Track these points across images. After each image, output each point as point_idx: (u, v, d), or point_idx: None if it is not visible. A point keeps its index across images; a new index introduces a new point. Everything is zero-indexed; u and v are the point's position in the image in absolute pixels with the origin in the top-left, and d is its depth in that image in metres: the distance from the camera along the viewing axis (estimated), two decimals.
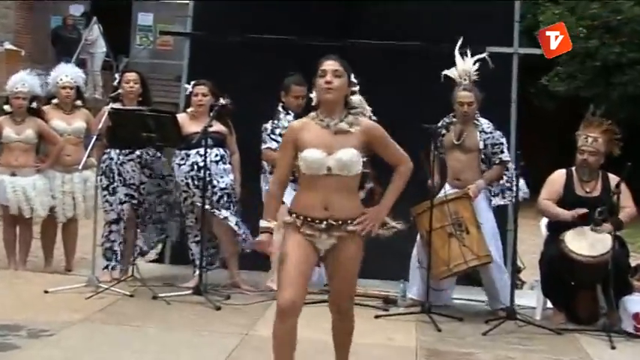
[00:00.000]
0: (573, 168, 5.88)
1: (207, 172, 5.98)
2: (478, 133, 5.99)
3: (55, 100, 6.87)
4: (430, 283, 5.77)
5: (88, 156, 6.25)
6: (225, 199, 6.15)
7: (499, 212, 6.20)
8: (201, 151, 5.93)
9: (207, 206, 6.00)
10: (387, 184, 4.01)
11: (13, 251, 6.86)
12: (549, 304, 5.95)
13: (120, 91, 6.49)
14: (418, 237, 5.98)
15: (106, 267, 6.44)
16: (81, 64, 13.07)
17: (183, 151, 6.16)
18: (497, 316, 5.76)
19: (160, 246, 7.07)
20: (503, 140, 6.08)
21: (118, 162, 6.41)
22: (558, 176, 5.90)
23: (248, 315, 5.56)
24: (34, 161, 6.76)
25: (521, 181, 5.90)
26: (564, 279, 5.69)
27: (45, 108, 6.83)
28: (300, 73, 6.09)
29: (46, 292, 5.89)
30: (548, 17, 13.48)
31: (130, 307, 5.65)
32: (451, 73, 6.07)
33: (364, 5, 7.12)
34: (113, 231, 6.47)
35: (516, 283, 6.23)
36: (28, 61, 13.97)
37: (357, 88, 3.98)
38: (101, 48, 16.58)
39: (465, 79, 6.02)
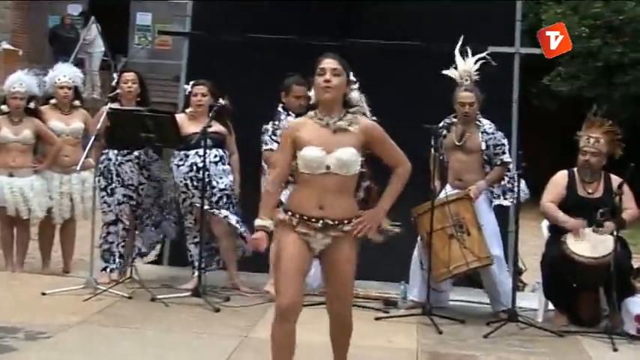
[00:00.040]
0: (575, 169, 5.86)
1: (207, 172, 5.95)
2: (480, 134, 5.95)
3: (52, 101, 6.85)
4: (431, 284, 5.74)
5: (86, 156, 6.22)
6: (225, 199, 6.12)
7: (500, 213, 6.18)
8: (200, 151, 5.91)
9: (206, 206, 5.96)
10: (384, 184, 3.98)
11: (10, 252, 6.82)
12: (551, 306, 5.92)
13: (118, 91, 6.45)
14: (419, 238, 5.95)
15: (104, 268, 6.42)
16: (79, 63, 13.05)
17: (182, 152, 6.14)
18: (498, 318, 5.73)
19: (158, 247, 7.03)
20: (505, 141, 6.05)
21: (116, 163, 6.38)
22: (560, 178, 5.87)
23: (247, 317, 5.53)
24: (31, 162, 6.74)
25: (522, 182, 5.86)
26: (566, 281, 5.66)
27: (43, 108, 6.81)
28: (299, 73, 6.05)
29: (43, 294, 5.85)
30: (550, 16, 13.46)
31: (129, 309, 5.61)
32: (452, 73, 6.04)
33: (364, 5, 7.10)
34: (111, 232, 6.44)
35: (518, 285, 6.21)
36: (26, 60, 13.94)
37: (356, 86, 3.96)
38: (99, 48, 16.56)
39: (465, 80, 5.99)
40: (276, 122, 6.08)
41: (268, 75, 6.48)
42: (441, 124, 5.96)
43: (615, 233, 5.50)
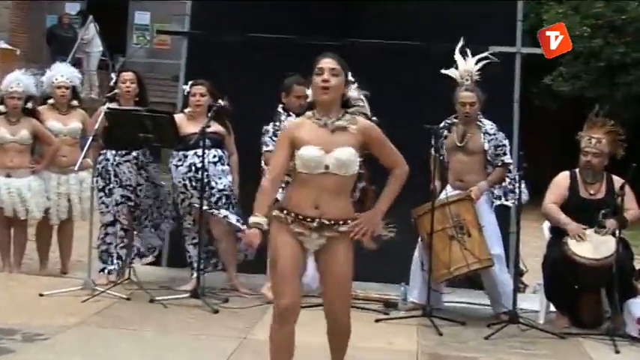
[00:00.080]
0: (577, 170, 5.83)
1: (205, 173, 5.92)
2: (482, 134, 5.93)
3: (50, 101, 6.83)
4: (432, 285, 5.71)
5: (84, 157, 6.18)
6: (224, 200, 6.09)
7: (501, 214, 6.16)
8: (199, 152, 5.88)
9: (205, 207, 5.93)
10: (382, 185, 3.95)
11: (8, 253, 6.79)
12: (552, 308, 5.89)
13: (116, 90, 6.43)
14: (419, 239, 5.92)
15: (102, 270, 6.39)
16: (77, 63, 13.05)
17: (180, 152, 6.11)
18: (499, 319, 5.71)
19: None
20: (506, 142, 6.03)
21: (114, 163, 6.34)
22: (563, 179, 5.84)
23: (246, 318, 5.51)
24: (29, 162, 6.71)
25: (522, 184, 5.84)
26: (568, 282, 5.64)
27: (40, 108, 6.80)
28: (299, 73, 6.02)
29: (41, 295, 5.83)
30: (551, 16, 13.43)
31: (127, 311, 5.59)
32: (452, 73, 6.02)
33: (364, 5, 7.09)
34: (109, 233, 6.41)
35: (519, 287, 6.20)
36: (24, 60, 13.90)
37: (354, 86, 3.94)
38: (97, 47, 16.51)
39: (466, 80, 5.96)
40: (277, 123, 6.04)
41: (268, 75, 6.46)
42: (441, 125, 5.94)
43: (618, 233, 5.47)
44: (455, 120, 6.00)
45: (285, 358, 3.81)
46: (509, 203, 6.05)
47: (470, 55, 5.99)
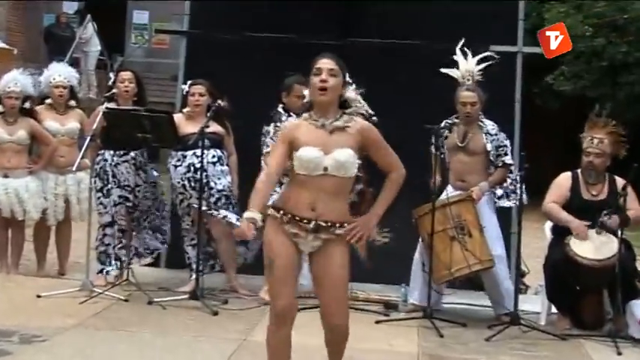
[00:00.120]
0: (579, 171, 5.80)
1: (204, 173, 5.89)
2: (483, 135, 5.90)
3: (48, 100, 6.80)
4: (433, 285, 5.69)
5: (82, 157, 6.15)
6: (223, 200, 6.07)
7: (502, 215, 6.13)
8: (198, 152, 5.86)
9: (204, 207, 5.90)
10: (379, 188, 3.92)
11: (5, 254, 6.76)
12: (554, 309, 5.87)
13: (114, 90, 6.40)
14: (420, 240, 5.89)
15: (101, 271, 6.36)
16: (74, 63, 13.02)
17: (179, 152, 6.08)
18: (500, 321, 5.68)
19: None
20: (508, 142, 6.01)
21: (112, 163, 6.31)
22: (564, 179, 5.81)
23: (246, 320, 5.49)
24: (26, 162, 6.69)
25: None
26: (569, 283, 5.62)
27: (38, 108, 6.77)
28: (299, 73, 5.99)
29: (38, 296, 5.80)
30: (553, 16, 13.40)
31: (125, 312, 5.57)
32: (454, 72, 6.00)
33: (364, 5, 7.07)
34: (107, 234, 6.38)
35: (520, 288, 6.17)
36: (21, 59, 13.83)
37: (352, 87, 3.90)
38: (95, 46, 16.49)
39: (468, 79, 5.93)
40: (278, 124, 6.01)
41: (268, 75, 6.44)
42: (442, 124, 5.91)
43: (620, 233, 5.44)
44: (456, 120, 5.98)
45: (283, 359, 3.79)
46: (510, 204, 6.02)
47: (470, 55, 5.97)
